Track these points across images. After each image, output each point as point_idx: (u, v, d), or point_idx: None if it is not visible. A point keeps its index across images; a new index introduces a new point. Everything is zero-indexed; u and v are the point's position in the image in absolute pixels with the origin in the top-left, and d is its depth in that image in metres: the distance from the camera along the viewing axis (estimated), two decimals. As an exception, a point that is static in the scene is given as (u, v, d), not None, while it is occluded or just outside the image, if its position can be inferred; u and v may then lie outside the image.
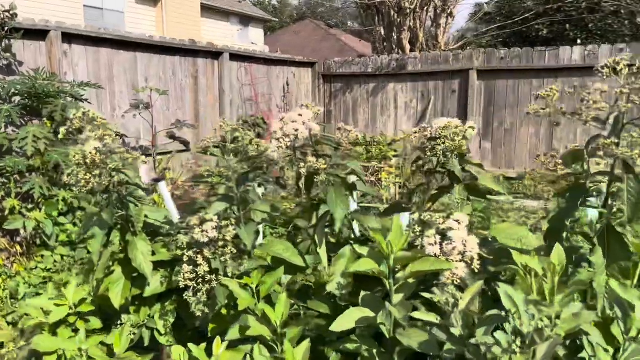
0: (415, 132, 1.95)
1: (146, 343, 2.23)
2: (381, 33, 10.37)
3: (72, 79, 5.52)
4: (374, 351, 1.64)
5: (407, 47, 9.97)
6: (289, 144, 1.84)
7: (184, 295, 1.94)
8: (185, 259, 1.95)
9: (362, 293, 1.73)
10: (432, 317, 1.40)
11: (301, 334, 1.80)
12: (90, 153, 1.92)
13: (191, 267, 1.93)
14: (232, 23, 25.37)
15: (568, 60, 8.24)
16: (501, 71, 8.69)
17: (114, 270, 2.31)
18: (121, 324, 2.20)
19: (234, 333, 1.93)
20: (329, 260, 2.13)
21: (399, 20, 9.85)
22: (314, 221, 2.20)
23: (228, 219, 2.02)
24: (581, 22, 15.37)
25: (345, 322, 1.58)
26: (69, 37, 5.61)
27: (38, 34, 5.30)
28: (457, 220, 1.53)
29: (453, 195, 2.11)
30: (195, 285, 1.91)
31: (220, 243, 1.91)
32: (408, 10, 9.41)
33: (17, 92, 4.75)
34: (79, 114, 2.34)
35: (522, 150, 8.71)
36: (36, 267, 4.38)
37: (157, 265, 2.23)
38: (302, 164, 1.83)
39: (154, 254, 2.24)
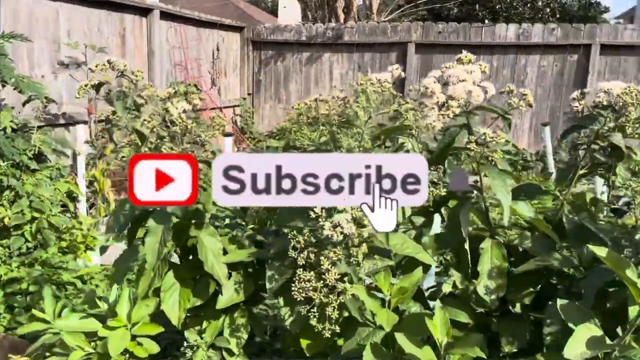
0: (576, 98, 1.61)
1: (217, 368, 1.71)
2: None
3: (-16, 28, 4.48)
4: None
5: (342, 16, 9.60)
6: (458, 110, 1.41)
7: (302, 310, 1.46)
8: (300, 262, 1.46)
9: (560, 302, 1.37)
10: None
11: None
12: (180, 117, 1.35)
13: (311, 272, 1.46)
14: (125, -18, 23.22)
15: (503, 38, 8.36)
16: (439, 45, 8.64)
17: (163, 274, 1.75)
18: (189, 347, 1.65)
19: (368, 356, 1.50)
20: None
21: (333, -13, 9.44)
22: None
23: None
24: (489, 3, 15.94)
25: (576, 346, 1.22)
26: (-22, -23, 4.54)
27: (-61, -32, 4.20)
28: None
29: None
30: (323, 298, 1.44)
31: (356, 241, 1.45)
32: (344, -23, 9.02)
33: None
34: (100, 64, 1.73)
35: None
36: (-42, 261, 3.50)
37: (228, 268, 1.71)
38: (470, 137, 1.41)
39: (224, 253, 1.71)
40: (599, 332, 1.26)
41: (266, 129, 9.42)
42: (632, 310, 1.23)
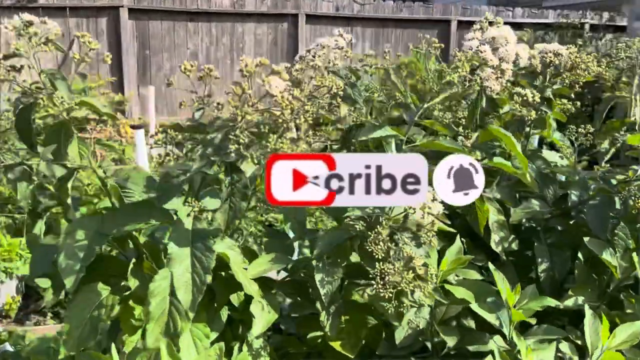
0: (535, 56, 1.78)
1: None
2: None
3: None
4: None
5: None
6: (510, 73, 1.39)
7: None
8: (379, 255, 1.27)
9: (586, 239, 1.54)
10: None
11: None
12: (282, 97, 0.95)
13: (396, 264, 1.28)
14: None
15: (219, 5, 8.37)
16: (155, 11, 8.11)
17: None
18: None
19: (448, 338, 1.41)
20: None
21: None
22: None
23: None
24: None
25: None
26: None
27: None
28: None
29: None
30: (412, 288, 1.28)
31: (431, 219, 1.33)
32: None
33: None
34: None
35: (186, 96, 8.50)
36: None
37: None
38: (516, 97, 1.43)
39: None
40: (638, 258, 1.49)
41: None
42: (651, 232, 1.50)
